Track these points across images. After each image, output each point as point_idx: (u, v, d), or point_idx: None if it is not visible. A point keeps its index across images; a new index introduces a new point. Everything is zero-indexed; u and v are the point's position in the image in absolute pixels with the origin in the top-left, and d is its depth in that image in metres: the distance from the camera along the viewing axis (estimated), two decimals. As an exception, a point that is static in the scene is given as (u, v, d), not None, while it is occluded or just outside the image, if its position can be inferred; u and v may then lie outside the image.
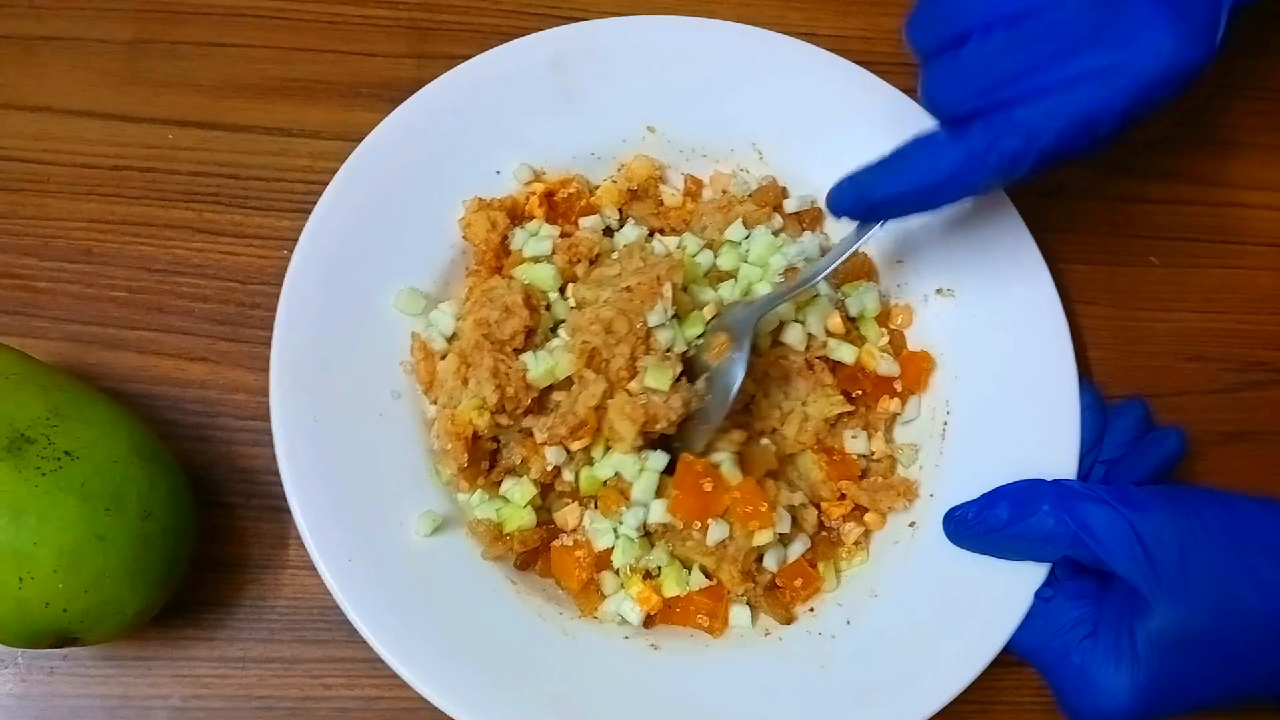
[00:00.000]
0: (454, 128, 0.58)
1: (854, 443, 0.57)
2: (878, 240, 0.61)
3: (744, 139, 0.62)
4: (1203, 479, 0.62)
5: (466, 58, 0.63)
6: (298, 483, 0.50)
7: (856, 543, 0.56)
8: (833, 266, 0.53)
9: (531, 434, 0.53)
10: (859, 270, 0.60)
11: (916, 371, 0.59)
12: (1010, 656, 0.53)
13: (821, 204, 0.61)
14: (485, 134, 0.59)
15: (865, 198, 0.50)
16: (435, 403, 0.55)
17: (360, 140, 0.61)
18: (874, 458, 0.58)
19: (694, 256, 0.59)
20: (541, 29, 0.61)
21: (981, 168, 0.46)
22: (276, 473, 0.55)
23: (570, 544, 0.54)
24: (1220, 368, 0.65)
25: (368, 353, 0.54)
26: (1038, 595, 0.52)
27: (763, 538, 0.53)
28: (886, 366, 0.58)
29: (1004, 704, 0.56)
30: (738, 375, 0.52)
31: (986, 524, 0.53)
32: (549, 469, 0.53)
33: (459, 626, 0.50)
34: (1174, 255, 0.67)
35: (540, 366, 0.53)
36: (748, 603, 0.54)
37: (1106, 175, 0.68)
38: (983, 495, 0.54)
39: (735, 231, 0.59)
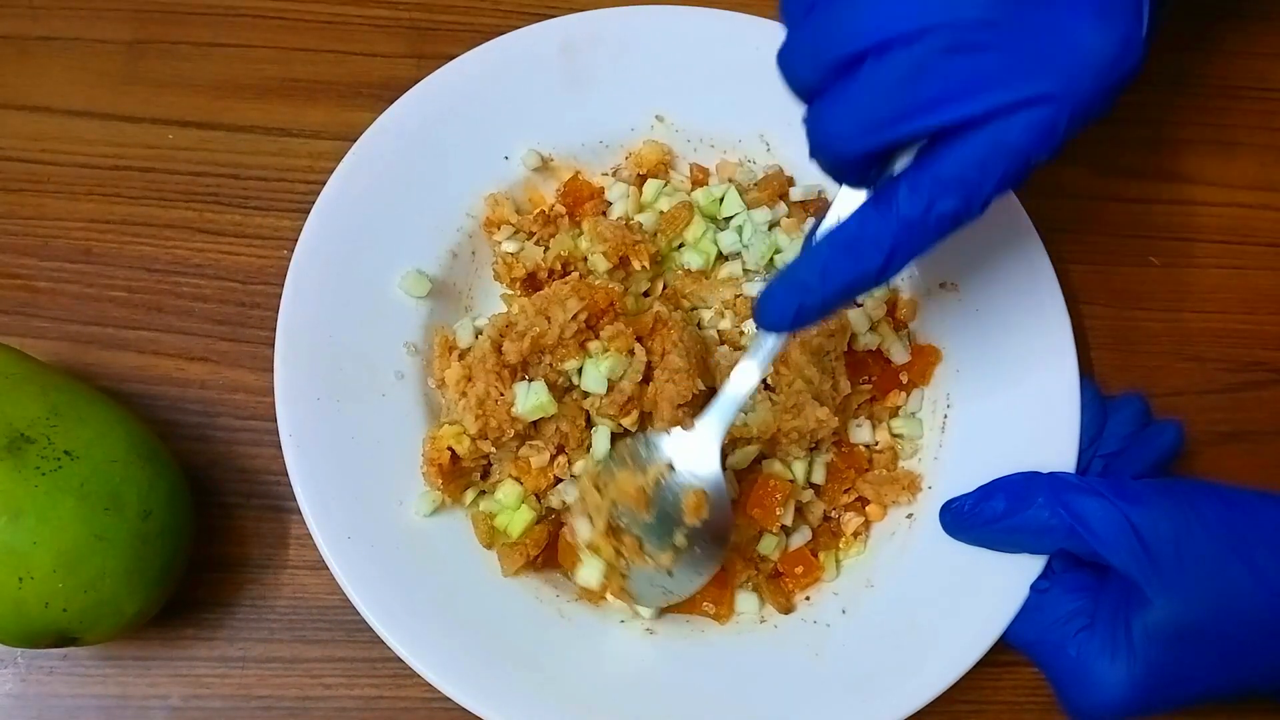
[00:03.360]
0: (465, 112, 0.58)
1: (859, 431, 0.57)
2: None
3: (751, 129, 0.62)
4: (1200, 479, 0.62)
5: (465, 58, 0.63)
6: (299, 460, 0.50)
7: (855, 534, 0.57)
8: (765, 370, 0.49)
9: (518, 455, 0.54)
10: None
11: (923, 364, 0.59)
12: (1007, 655, 0.53)
13: (828, 194, 0.61)
14: (494, 119, 0.59)
15: (808, 304, 0.43)
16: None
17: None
18: (877, 448, 0.58)
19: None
20: (541, 29, 0.61)
21: (924, 234, 0.40)
22: (276, 472, 0.56)
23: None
24: (1218, 368, 0.65)
25: (372, 333, 0.55)
26: (1034, 588, 0.52)
27: (767, 543, 0.54)
28: (899, 353, 0.59)
29: (1000, 703, 0.56)
30: (726, 514, 0.50)
31: (982, 516, 0.53)
32: (545, 484, 0.53)
33: (455, 606, 0.50)
34: (1172, 255, 0.67)
35: (529, 401, 0.51)
36: (753, 588, 0.55)
37: (1105, 175, 0.68)
38: (979, 488, 0.54)
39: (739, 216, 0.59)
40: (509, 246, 0.58)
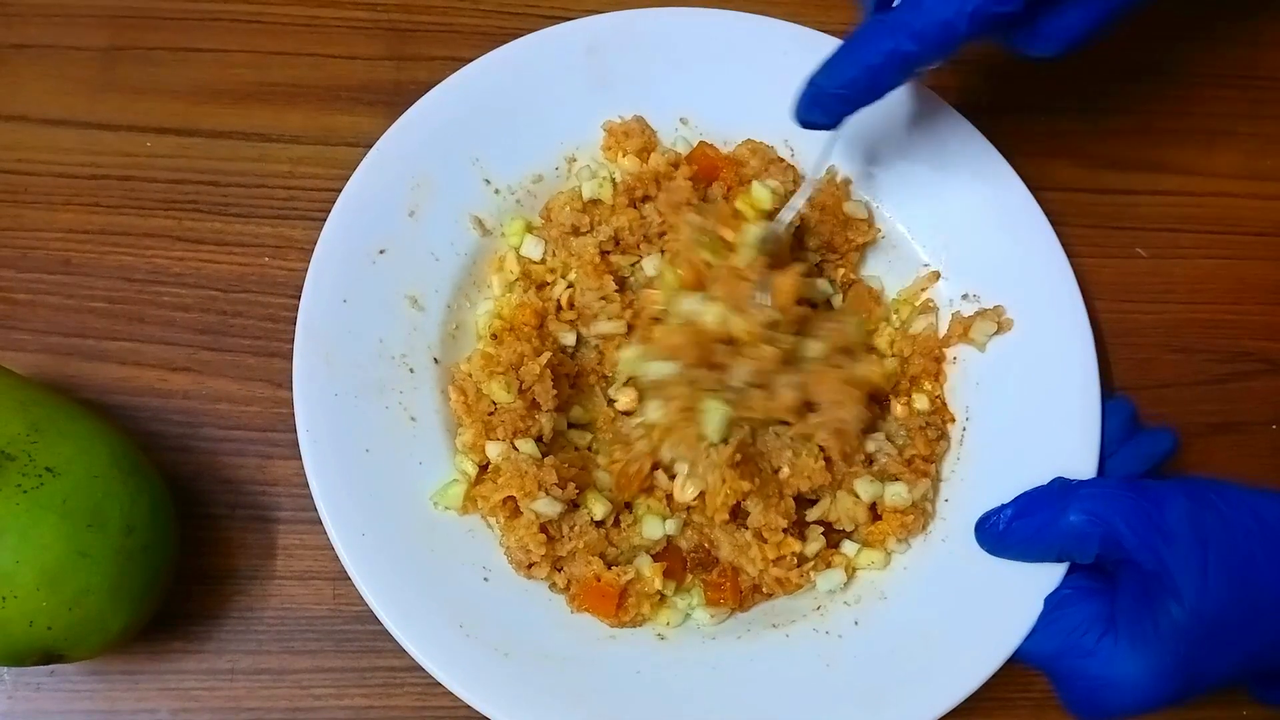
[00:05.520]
0: (490, 109, 0.58)
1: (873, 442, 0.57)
2: (905, 248, 0.61)
3: (775, 133, 0.61)
4: (1189, 471, 0.62)
5: (446, 59, 0.63)
6: (315, 456, 0.50)
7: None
8: (821, 173, 0.55)
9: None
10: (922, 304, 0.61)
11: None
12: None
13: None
14: (519, 119, 0.59)
15: (821, 95, 0.50)
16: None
17: (340, 144, 0.61)
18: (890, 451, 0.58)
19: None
20: (523, 29, 0.60)
21: (918, 40, 0.47)
22: (261, 482, 0.56)
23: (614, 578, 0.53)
24: (1206, 359, 0.65)
25: (392, 329, 0.55)
26: (1047, 599, 0.53)
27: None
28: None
29: (992, 700, 0.56)
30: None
31: (1020, 533, 0.53)
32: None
33: (468, 606, 0.50)
34: (1160, 246, 0.67)
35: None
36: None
37: (1091, 167, 0.67)
38: (1012, 501, 0.54)
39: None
40: (531, 250, 0.58)
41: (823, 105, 0.50)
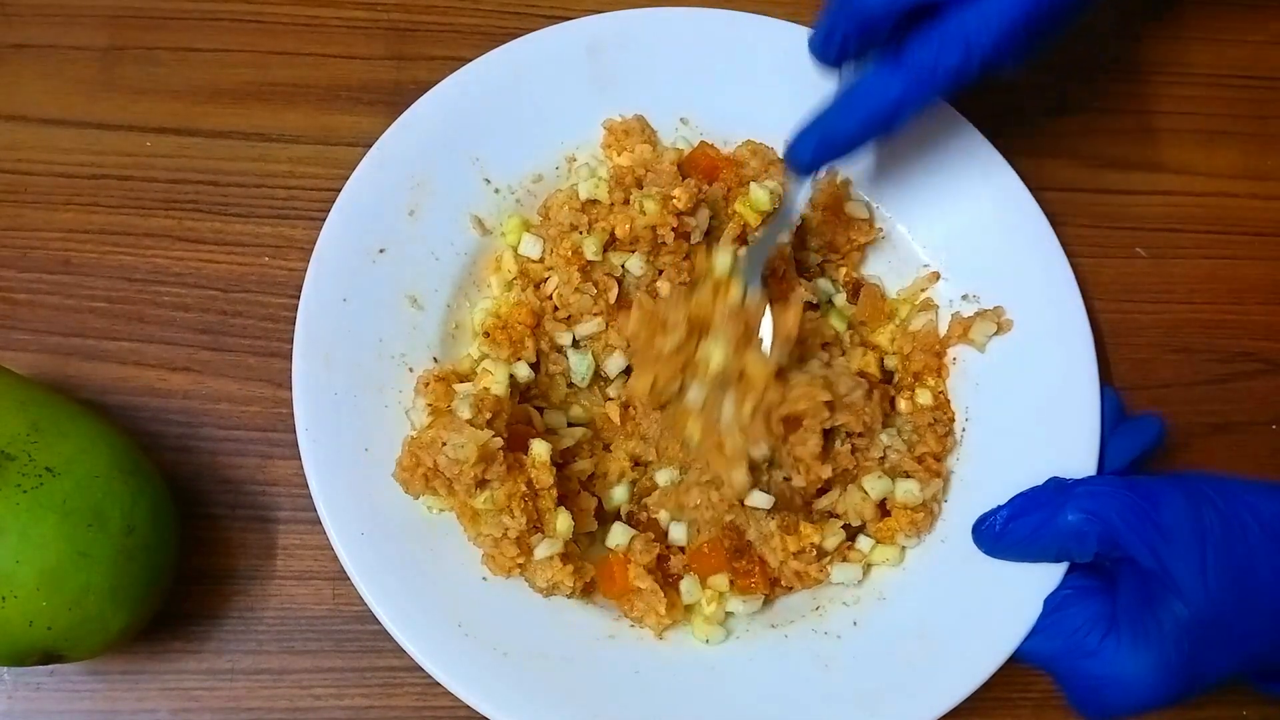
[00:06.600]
0: (490, 109, 0.58)
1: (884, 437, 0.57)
2: (906, 248, 0.61)
3: (776, 134, 0.61)
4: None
5: (446, 59, 0.63)
6: (315, 456, 0.50)
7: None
8: (800, 207, 0.55)
9: None
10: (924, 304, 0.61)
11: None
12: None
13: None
14: (519, 118, 0.59)
15: (829, 140, 0.52)
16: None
17: (340, 144, 0.62)
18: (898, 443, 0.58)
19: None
20: (523, 28, 0.60)
21: (929, 86, 0.49)
22: (261, 482, 0.56)
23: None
24: (1206, 359, 0.65)
25: (392, 329, 0.55)
26: (1047, 600, 0.52)
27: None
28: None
29: (992, 700, 0.56)
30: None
31: (1017, 533, 0.53)
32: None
33: (467, 606, 0.50)
34: (1160, 246, 0.67)
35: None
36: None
37: (1091, 167, 0.67)
38: (1009, 502, 0.54)
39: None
40: (529, 249, 0.58)
41: (831, 151, 0.52)
